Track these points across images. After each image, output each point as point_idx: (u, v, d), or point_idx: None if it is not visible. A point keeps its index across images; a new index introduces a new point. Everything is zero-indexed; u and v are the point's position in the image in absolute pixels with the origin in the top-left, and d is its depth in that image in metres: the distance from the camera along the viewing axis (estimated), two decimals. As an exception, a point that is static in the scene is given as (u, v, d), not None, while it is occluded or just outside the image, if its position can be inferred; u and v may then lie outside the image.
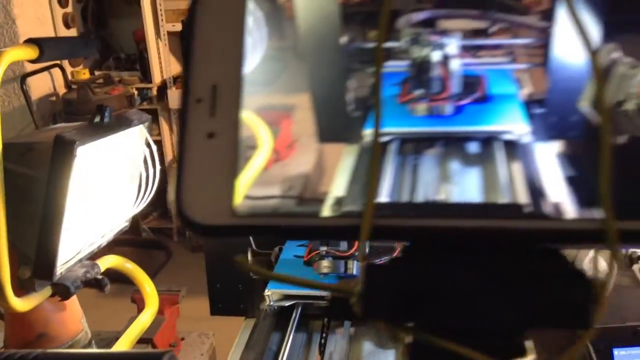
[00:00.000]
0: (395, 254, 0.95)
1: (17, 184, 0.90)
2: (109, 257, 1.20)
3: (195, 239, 3.23)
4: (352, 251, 1.12)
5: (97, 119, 0.94)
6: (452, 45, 0.29)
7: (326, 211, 0.28)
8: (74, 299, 1.09)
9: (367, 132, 0.29)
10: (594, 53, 0.25)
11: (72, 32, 3.22)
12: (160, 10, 3.20)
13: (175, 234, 3.48)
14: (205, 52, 0.29)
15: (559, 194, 0.27)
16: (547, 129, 0.29)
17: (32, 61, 0.96)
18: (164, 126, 3.39)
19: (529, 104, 0.29)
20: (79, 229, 0.98)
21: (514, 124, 0.29)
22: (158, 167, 1.10)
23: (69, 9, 3.21)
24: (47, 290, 1.01)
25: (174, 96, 3.25)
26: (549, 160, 0.28)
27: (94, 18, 3.50)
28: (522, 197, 0.27)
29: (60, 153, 0.85)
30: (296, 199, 0.28)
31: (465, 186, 0.28)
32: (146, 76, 3.33)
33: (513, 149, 0.29)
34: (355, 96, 0.30)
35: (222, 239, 0.28)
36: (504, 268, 0.26)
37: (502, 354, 0.27)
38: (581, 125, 0.28)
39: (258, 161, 0.29)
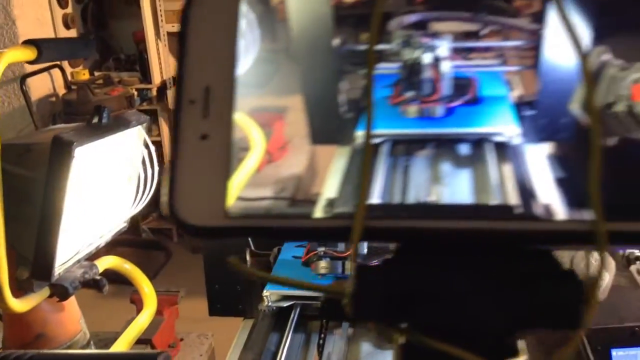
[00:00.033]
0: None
1: (15, 185, 0.90)
2: (107, 258, 1.20)
3: (195, 240, 3.23)
4: (349, 252, 1.12)
5: (95, 120, 0.95)
6: (443, 47, 0.30)
7: (318, 212, 0.28)
8: (72, 299, 1.09)
9: (359, 134, 0.29)
10: (584, 56, 0.25)
11: (72, 33, 3.22)
12: (160, 11, 3.20)
13: (175, 234, 3.48)
14: (198, 53, 0.29)
15: (549, 196, 0.27)
16: (538, 131, 0.29)
17: (31, 62, 0.96)
18: (164, 127, 3.39)
19: (520, 106, 0.30)
20: (77, 229, 0.98)
21: (504, 126, 0.30)
22: (156, 167, 1.10)
23: (69, 10, 3.22)
24: (46, 291, 1.01)
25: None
26: (539, 162, 0.28)
27: (94, 19, 3.50)
28: (513, 198, 0.27)
29: (58, 154, 0.85)
30: (288, 200, 0.29)
31: (456, 187, 0.29)
32: (146, 77, 3.33)
33: (504, 150, 0.29)
34: (347, 98, 0.30)
35: (215, 240, 0.28)
36: (495, 269, 0.27)
37: (493, 354, 0.27)
38: (571, 127, 0.28)
39: (251, 163, 0.29)
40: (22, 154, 0.92)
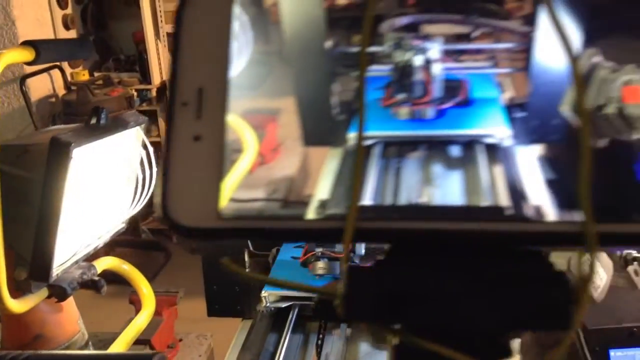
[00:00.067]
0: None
1: (13, 185, 0.90)
2: (106, 259, 1.20)
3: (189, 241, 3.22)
4: (348, 252, 1.12)
5: (93, 121, 0.95)
6: (434, 49, 0.30)
7: (310, 214, 0.28)
8: (70, 300, 1.09)
9: (351, 136, 0.29)
10: (574, 58, 0.25)
11: (72, 34, 3.22)
12: (160, 11, 3.21)
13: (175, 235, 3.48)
14: (191, 55, 0.29)
15: (540, 197, 0.27)
16: (529, 133, 0.29)
17: (29, 63, 0.96)
18: (164, 127, 3.39)
19: (511, 107, 0.30)
20: (75, 230, 0.98)
21: (495, 128, 0.30)
22: (155, 168, 1.10)
23: (69, 11, 3.22)
24: (44, 292, 1.01)
25: (173, 97, 3.25)
26: (530, 164, 0.28)
27: (94, 19, 3.51)
28: (504, 199, 0.27)
29: (56, 155, 0.86)
30: (281, 201, 0.29)
31: (448, 189, 0.29)
32: (145, 77, 3.34)
33: (495, 152, 0.29)
34: (339, 100, 0.30)
35: (207, 241, 0.28)
36: (486, 270, 0.27)
37: (486, 355, 0.28)
38: (562, 129, 0.28)
39: (243, 164, 0.29)
40: (20, 154, 0.92)
